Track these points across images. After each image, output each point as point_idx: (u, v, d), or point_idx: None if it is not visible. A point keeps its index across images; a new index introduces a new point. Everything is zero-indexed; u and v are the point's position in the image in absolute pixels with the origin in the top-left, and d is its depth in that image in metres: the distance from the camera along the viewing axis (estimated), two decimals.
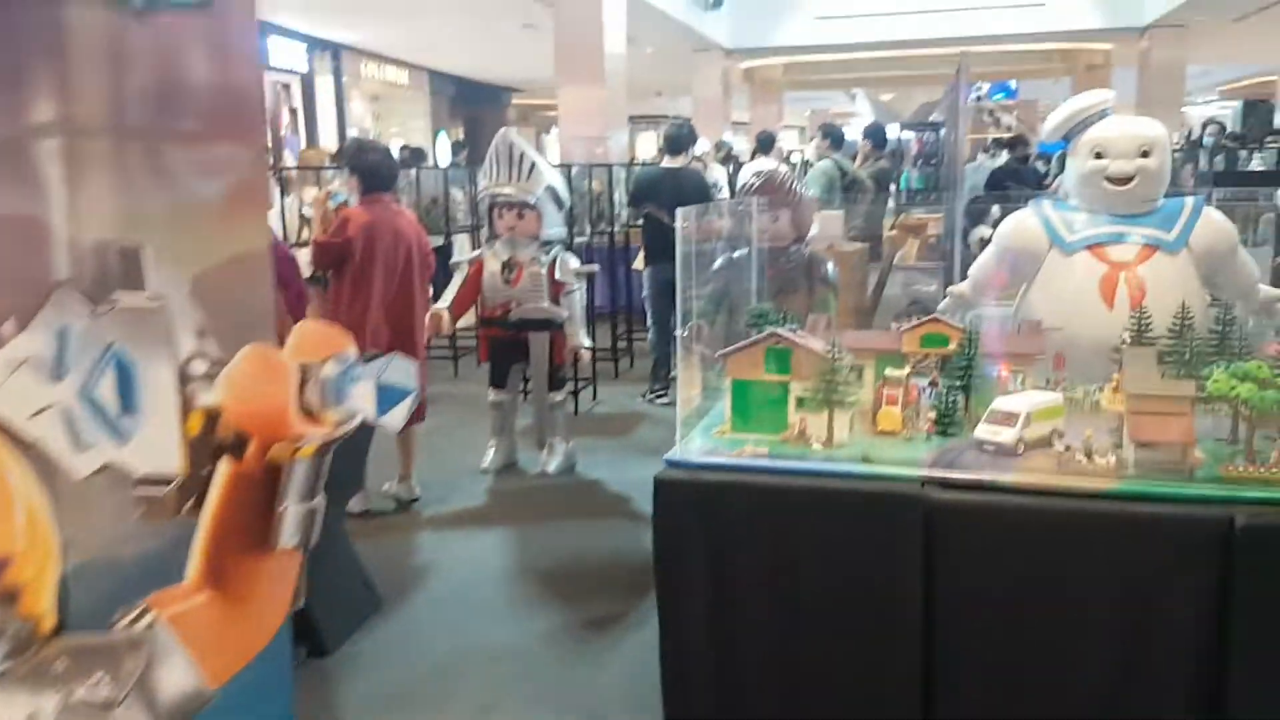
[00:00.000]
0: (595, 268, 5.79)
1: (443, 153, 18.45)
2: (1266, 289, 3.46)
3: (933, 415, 2.57)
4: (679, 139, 6.29)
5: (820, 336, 2.76)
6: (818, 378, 2.54)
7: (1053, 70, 19.36)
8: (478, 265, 5.25)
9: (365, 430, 1.69)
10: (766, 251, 3.82)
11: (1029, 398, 2.46)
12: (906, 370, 2.68)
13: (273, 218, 6.98)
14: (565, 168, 7.01)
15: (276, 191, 6.72)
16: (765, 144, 9.27)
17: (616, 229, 7.76)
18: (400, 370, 1.59)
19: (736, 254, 3.86)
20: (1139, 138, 3.31)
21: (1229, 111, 23.49)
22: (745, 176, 8.68)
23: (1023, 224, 3.48)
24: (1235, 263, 3.36)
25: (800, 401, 2.59)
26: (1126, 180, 3.27)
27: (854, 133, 10.63)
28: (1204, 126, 12.17)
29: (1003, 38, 16.43)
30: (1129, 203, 3.28)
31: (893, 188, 11.05)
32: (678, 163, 6.26)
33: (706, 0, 15.42)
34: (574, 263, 5.30)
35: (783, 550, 2.43)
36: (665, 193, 5.80)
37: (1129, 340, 2.69)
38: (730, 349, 2.70)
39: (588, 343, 5.35)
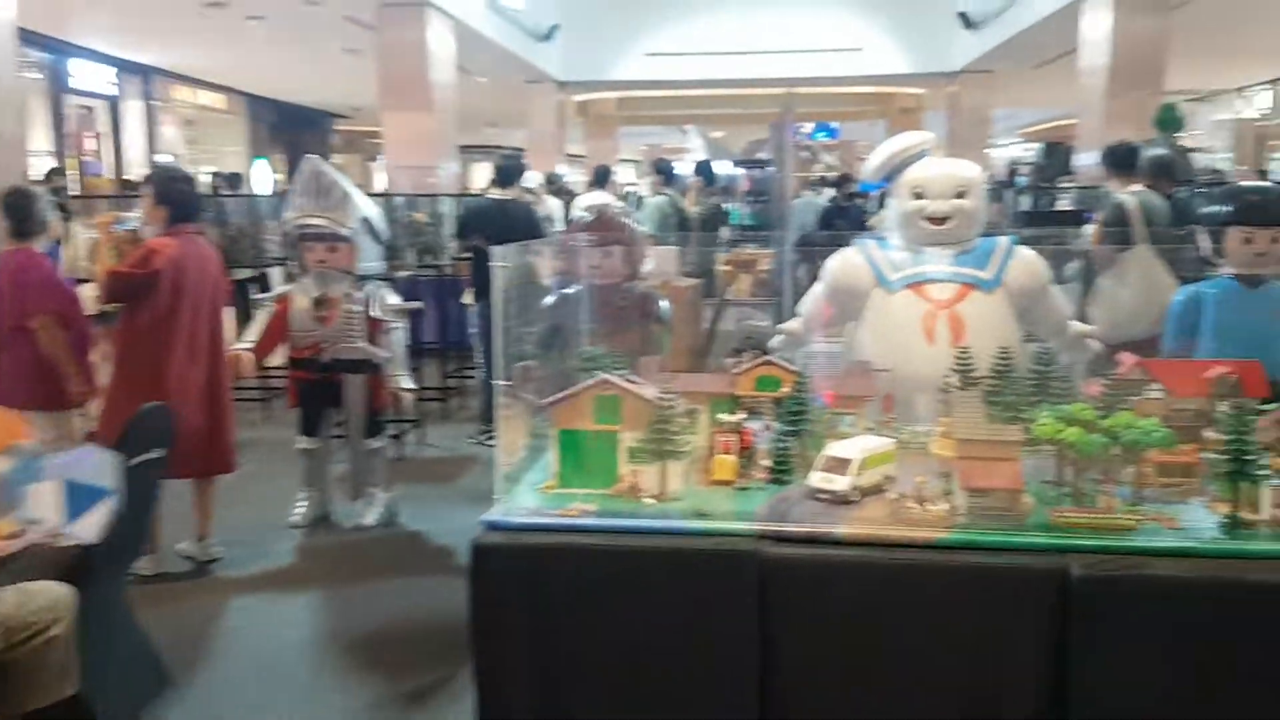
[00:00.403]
0: (419, 305, 5.53)
1: (261, 180, 17.68)
2: (1076, 324, 3.57)
3: (767, 463, 2.47)
4: (508, 170, 6.15)
5: (653, 379, 2.63)
6: (649, 426, 2.40)
7: (870, 113, 20.27)
8: (284, 302, 4.90)
9: (150, 480, 1.41)
10: (598, 288, 3.70)
11: (861, 443, 2.39)
12: (740, 416, 2.58)
13: (56, 249, 6.39)
14: (385, 197, 6.72)
15: (60, 221, 6.14)
16: (601, 178, 9.22)
17: (445, 262, 7.52)
18: (95, 465, 1.29)
19: (568, 290, 3.73)
20: (956, 179, 3.38)
21: (1031, 153, 25.18)
22: (578, 210, 8.61)
23: (849, 262, 3.50)
24: (1047, 300, 3.46)
25: (632, 452, 2.43)
26: (944, 220, 3.33)
27: (687, 168, 10.74)
28: (1010, 167, 12.89)
29: (824, 80, 17.08)
30: (946, 241, 3.34)
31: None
32: (508, 195, 6.12)
33: (538, 32, 15.38)
34: (393, 299, 5.00)
35: (613, 614, 2.26)
36: (493, 225, 5.64)
37: (955, 383, 2.68)
38: (556, 397, 2.52)
39: (410, 385, 5.07)
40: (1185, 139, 8.10)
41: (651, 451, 2.38)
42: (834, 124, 22.76)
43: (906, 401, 3.15)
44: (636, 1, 17.44)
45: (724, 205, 10.70)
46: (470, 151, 30.28)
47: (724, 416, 2.57)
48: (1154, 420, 2.09)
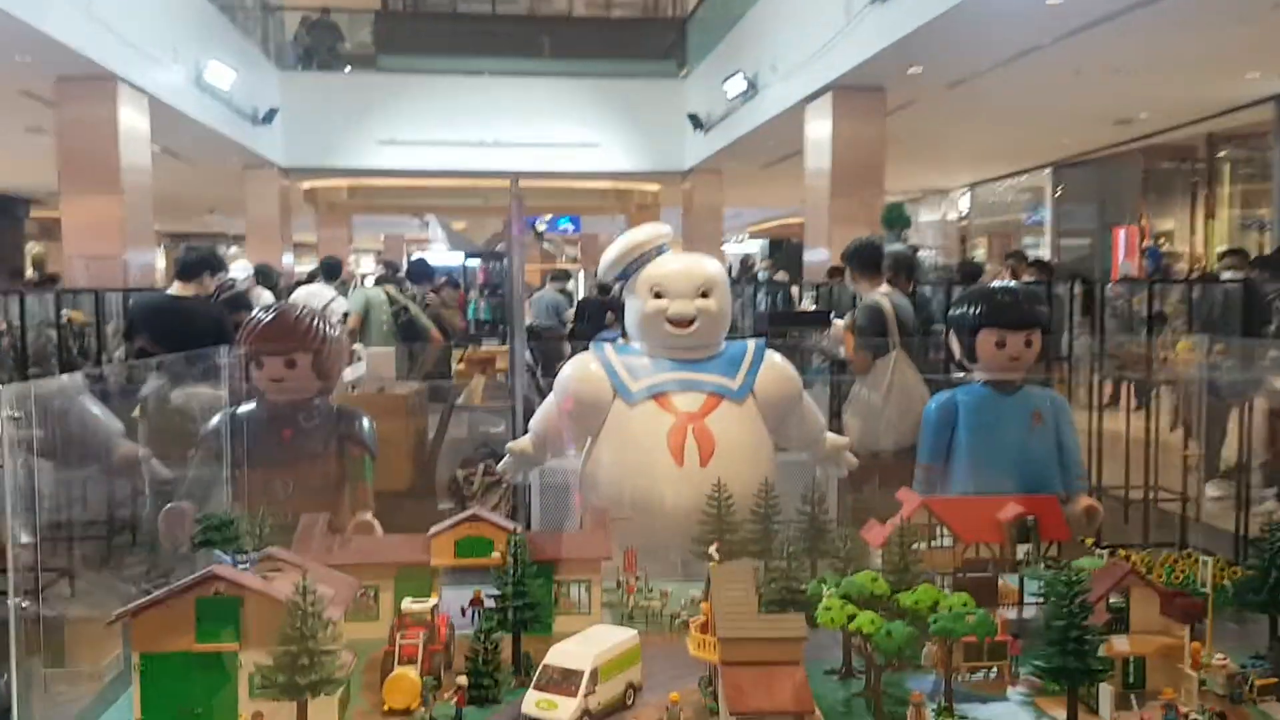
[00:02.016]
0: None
1: None
2: (833, 437, 3.25)
3: (463, 680, 1.73)
4: (189, 264, 5.25)
5: (314, 548, 1.97)
6: (280, 641, 1.58)
7: (609, 207, 20.46)
8: None
9: None
10: (278, 407, 2.99)
11: (594, 642, 1.75)
12: (431, 601, 1.93)
13: None
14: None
15: None
16: (330, 270, 8.40)
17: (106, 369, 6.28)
18: None
19: (246, 409, 3.00)
20: (698, 276, 3.01)
21: (757, 250, 26.39)
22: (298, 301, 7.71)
23: (584, 370, 3.04)
24: (800, 410, 3.13)
25: (254, 684, 1.63)
26: (688, 322, 2.94)
27: (434, 259, 10.10)
28: (742, 263, 13.17)
29: (561, 174, 17.03)
30: (692, 347, 2.97)
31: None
32: (189, 290, 5.22)
33: (254, 114, 14.35)
34: None
35: None
36: (165, 326, 4.75)
37: (714, 553, 2.18)
38: (132, 606, 1.67)
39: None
40: (910, 237, 8.38)
41: (282, 684, 1.57)
42: (575, 217, 22.85)
43: (657, 531, 2.72)
44: (364, 87, 16.82)
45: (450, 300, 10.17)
46: (189, 239, 28.31)
47: (409, 604, 1.92)
48: (963, 598, 1.67)
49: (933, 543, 2.00)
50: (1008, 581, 2.05)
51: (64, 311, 6.14)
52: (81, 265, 8.30)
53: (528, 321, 10.38)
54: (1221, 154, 14.03)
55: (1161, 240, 15.30)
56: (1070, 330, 5.70)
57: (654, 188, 19.36)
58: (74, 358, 5.93)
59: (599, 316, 7.03)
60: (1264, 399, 4.39)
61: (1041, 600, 1.87)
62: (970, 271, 9.23)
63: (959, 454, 3.23)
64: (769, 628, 1.50)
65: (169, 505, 2.76)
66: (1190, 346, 4.75)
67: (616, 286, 3.37)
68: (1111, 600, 1.76)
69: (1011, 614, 1.95)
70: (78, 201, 9.00)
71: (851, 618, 1.62)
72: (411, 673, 1.72)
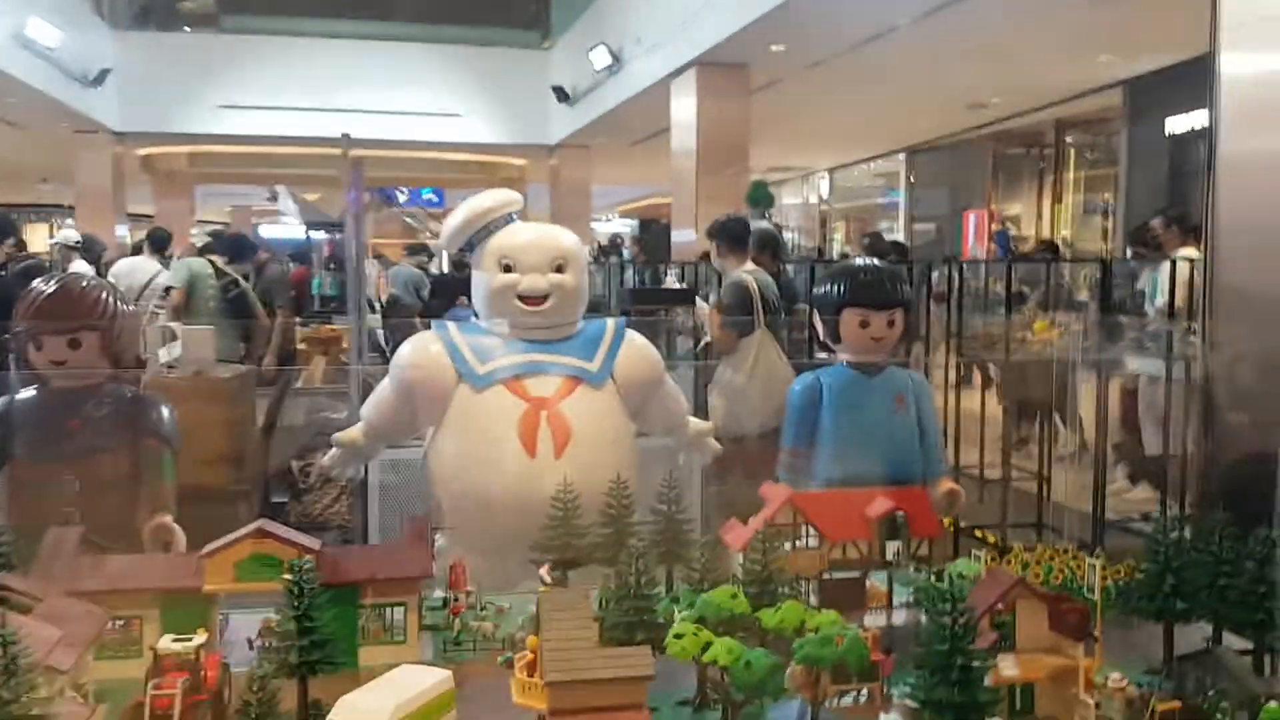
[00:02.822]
0: None
1: None
2: (696, 421, 3.08)
3: None
4: None
5: (70, 564, 1.65)
6: None
7: (473, 180, 19.83)
8: None
9: None
10: (61, 394, 2.61)
11: (393, 691, 1.43)
12: (196, 639, 1.57)
13: None
14: None
15: None
16: (158, 242, 7.75)
17: None
18: None
19: (23, 397, 2.61)
20: (552, 249, 2.79)
21: (629, 229, 26.24)
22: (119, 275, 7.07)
23: (425, 351, 2.78)
24: (663, 393, 2.96)
25: None
26: (541, 298, 2.72)
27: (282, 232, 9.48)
28: (612, 240, 12.97)
29: (420, 144, 16.43)
30: (545, 326, 2.76)
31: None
32: None
33: (84, 75, 13.28)
34: None
35: None
36: None
37: (545, 576, 1.94)
38: None
39: None
40: (775, 217, 8.32)
41: None
42: (439, 190, 22.15)
43: (507, 533, 2.49)
44: (205, 48, 15.82)
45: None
46: (22, 210, 26.34)
47: (168, 642, 1.56)
48: (832, 616, 1.49)
49: (797, 543, 1.83)
50: (876, 583, 1.90)
51: None
52: None
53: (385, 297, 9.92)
54: (1069, 139, 14.57)
55: (1009, 223, 15.83)
56: (927, 311, 5.72)
57: (520, 162, 18.95)
58: None
59: (451, 293, 6.68)
60: (1121, 378, 4.45)
61: (912, 603, 1.72)
62: (878, 249, 9.12)
63: (823, 438, 3.10)
64: (608, 665, 1.28)
65: None
66: (1046, 325, 4.79)
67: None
68: (996, 616, 1.59)
69: (881, 619, 1.79)
70: None
71: (707, 646, 1.42)
72: None
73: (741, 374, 4.50)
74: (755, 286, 4.59)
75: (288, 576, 1.53)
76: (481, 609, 2.00)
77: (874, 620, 1.76)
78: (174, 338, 4.29)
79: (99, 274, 7.74)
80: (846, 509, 1.87)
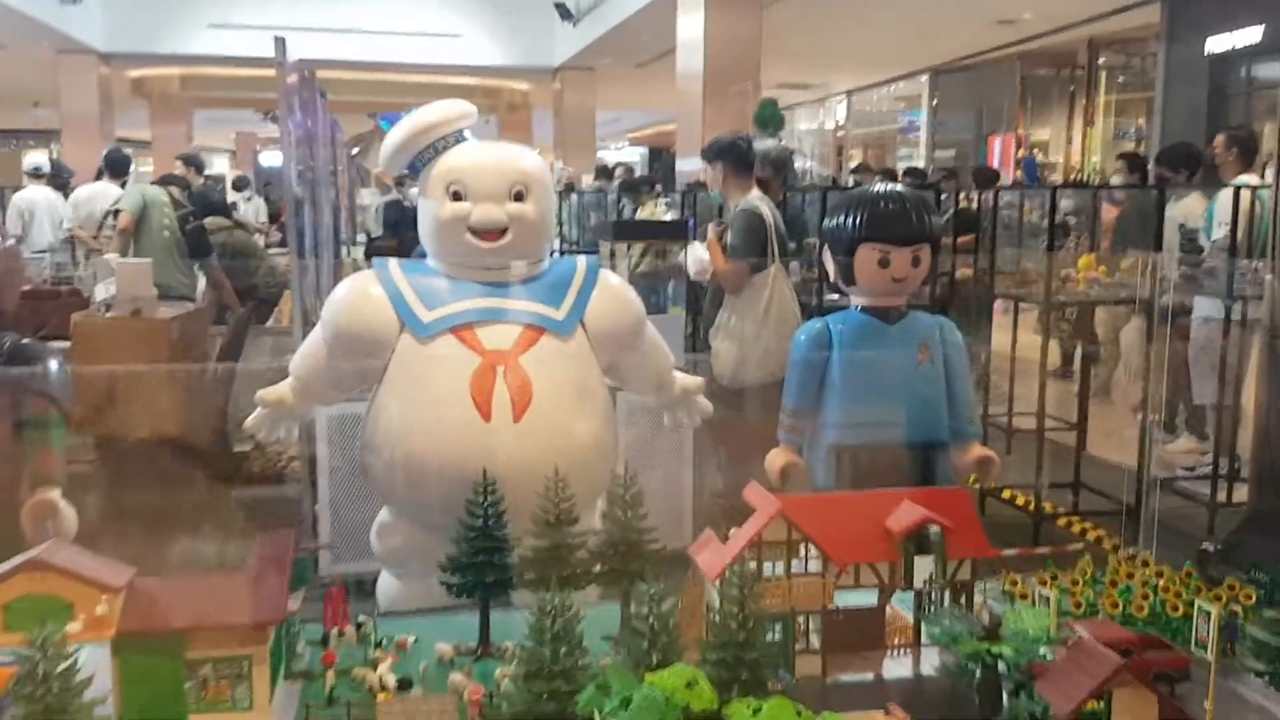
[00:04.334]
0: None
1: None
2: (684, 376, 2.63)
3: None
4: None
5: None
6: None
7: (477, 106, 19.23)
8: None
9: None
10: None
11: None
12: None
13: None
14: None
15: None
16: (116, 165, 7.25)
17: None
18: None
19: None
20: (511, 172, 2.35)
21: (638, 157, 25.52)
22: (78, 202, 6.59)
23: (360, 294, 2.37)
24: (643, 345, 2.54)
25: None
26: (497, 232, 2.29)
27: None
28: (613, 169, 12.40)
29: (418, 67, 15.76)
30: (503, 265, 2.34)
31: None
32: None
33: None
34: None
35: None
36: None
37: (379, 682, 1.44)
38: None
39: None
40: (785, 142, 7.76)
41: None
42: None
43: (449, 519, 2.05)
44: None
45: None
46: (15, 136, 25.79)
47: None
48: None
49: (790, 565, 1.38)
50: (900, 611, 1.46)
51: None
52: None
53: (374, 233, 9.44)
54: (1102, 60, 13.83)
55: (1036, 150, 15.15)
56: (954, 246, 5.21)
57: (523, 86, 18.25)
58: None
59: (407, 226, 6.13)
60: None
61: (946, 648, 1.27)
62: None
63: (832, 396, 2.67)
64: None
65: None
66: (1092, 262, 4.30)
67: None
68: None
69: (902, 668, 1.35)
70: None
71: None
72: None
73: (751, 318, 3.99)
74: (769, 214, 4.06)
75: (89, 619, 1.10)
76: (376, 645, 1.56)
77: (895, 670, 1.32)
78: (111, 273, 3.87)
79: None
80: (860, 520, 1.42)
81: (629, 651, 1.18)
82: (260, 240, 8.49)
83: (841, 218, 2.59)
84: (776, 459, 2.60)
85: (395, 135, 2.37)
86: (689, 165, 10.34)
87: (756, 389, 3.70)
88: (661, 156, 17.66)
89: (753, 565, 1.29)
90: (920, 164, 15.85)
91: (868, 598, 1.42)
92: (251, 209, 12.39)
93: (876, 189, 2.69)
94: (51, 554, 1.26)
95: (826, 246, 2.63)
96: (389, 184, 12.07)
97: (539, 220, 2.35)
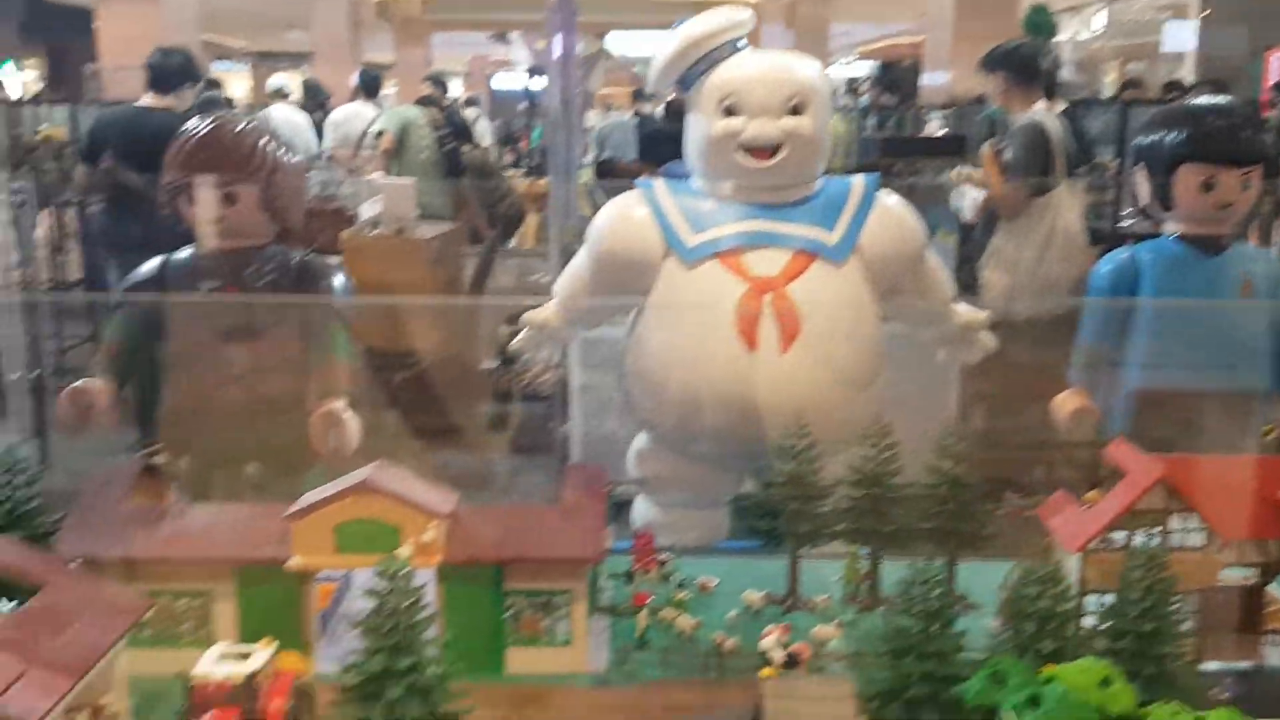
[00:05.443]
0: None
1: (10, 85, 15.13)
2: (965, 309, 2.41)
3: None
4: (163, 71, 4.36)
5: (111, 518, 1.24)
6: None
7: None
8: None
9: None
10: (217, 256, 2.28)
11: None
12: (257, 656, 1.11)
13: None
14: None
15: None
16: (370, 84, 7.50)
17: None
18: None
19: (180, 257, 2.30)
20: (786, 85, 2.17)
21: (868, 72, 24.45)
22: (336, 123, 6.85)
23: (627, 217, 2.29)
24: (922, 272, 2.36)
25: None
26: (770, 150, 2.14)
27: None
28: (850, 85, 11.86)
29: None
30: (775, 186, 2.19)
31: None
32: (164, 103, 4.38)
33: None
34: None
35: None
36: (132, 143, 3.94)
37: (775, 650, 1.31)
38: None
39: None
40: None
41: None
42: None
43: (718, 438, 2.13)
44: None
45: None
46: (274, 59, 27.59)
47: (210, 663, 1.10)
48: None
49: (1168, 535, 1.18)
50: (1273, 592, 1.25)
51: (40, 127, 5.38)
52: (117, 80, 7.65)
53: (605, 154, 9.41)
54: None
55: None
56: None
57: None
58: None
59: (665, 147, 5.97)
60: None
61: None
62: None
63: (1137, 334, 2.41)
64: None
65: (76, 382, 2.12)
66: None
67: None
68: None
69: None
70: (114, 9, 8.29)
71: None
72: None
73: (1029, 245, 3.63)
74: (1055, 130, 3.66)
75: (417, 545, 1.07)
76: (679, 586, 1.49)
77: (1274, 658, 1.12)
78: (374, 192, 4.00)
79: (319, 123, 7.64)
80: (1248, 488, 1.20)
81: (1015, 634, 1.04)
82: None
83: (1160, 133, 2.31)
84: (1067, 403, 2.36)
85: (669, 47, 2.25)
86: (936, 80, 9.78)
87: (1031, 325, 3.40)
88: (894, 70, 16.77)
89: (1138, 539, 1.11)
90: (1185, 80, 14.31)
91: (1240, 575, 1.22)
92: (480, 130, 12.70)
93: (1201, 102, 2.36)
94: (380, 478, 1.25)
95: (1143, 166, 2.33)
96: (610, 103, 12.05)
97: (815, 136, 2.19)
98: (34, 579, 1.09)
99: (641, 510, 2.42)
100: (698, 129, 2.23)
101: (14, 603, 1.13)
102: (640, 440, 2.41)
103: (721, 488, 2.34)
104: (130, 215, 3.81)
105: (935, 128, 6.47)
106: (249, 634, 1.19)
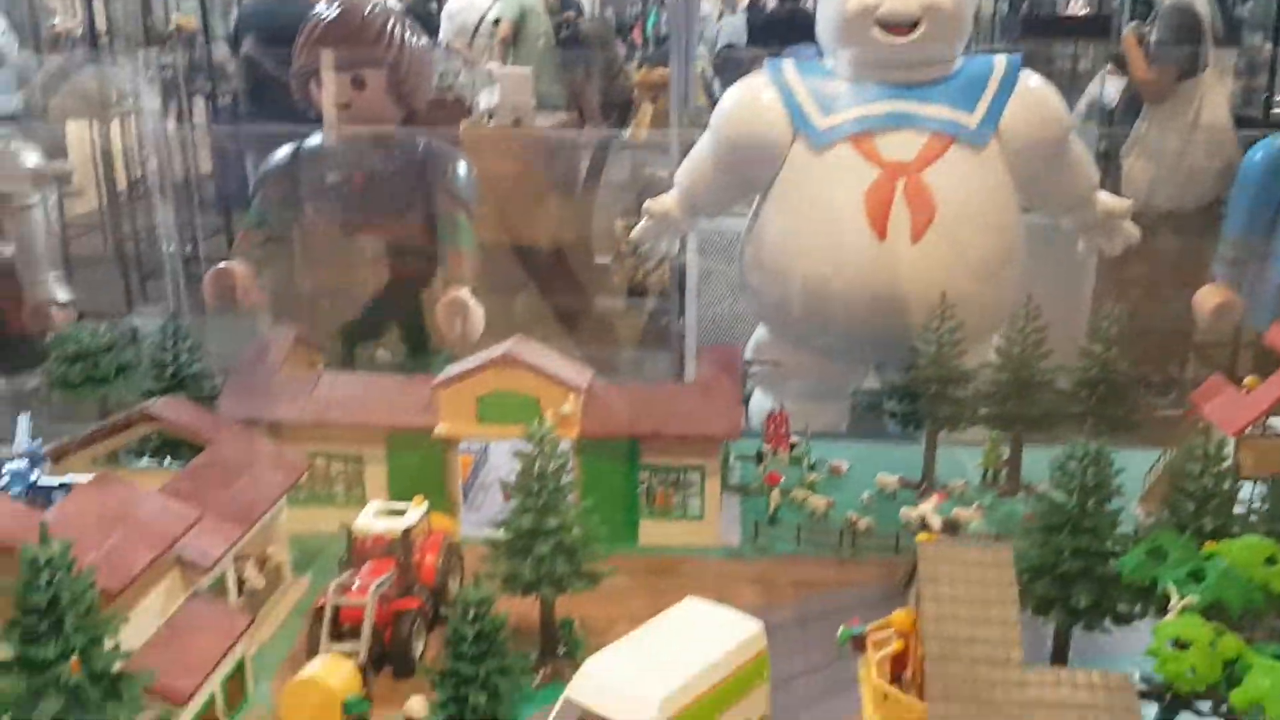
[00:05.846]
0: (66, 167, 3.29)
1: None
2: (1107, 197, 2.31)
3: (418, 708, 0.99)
4: None
5: (267, 384, 1.29)
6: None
7: None
8: None
9: None
10: (346, 143, 2.31)
11: (669, 659, 0.89)
12: (411, 512, 1.15)
13: None
14: None
15: None
16: None
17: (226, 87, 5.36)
18: None
19: (312, 144, 2.34)
20: None
21: None
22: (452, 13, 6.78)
23: (754, 100, 2.23)
24: (1066, 160, 2.25)
25: None
26: (908, 26, 2.05)
27: None
28: None
29: None
30: (911, 63, 2.11)
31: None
32: None
33: None
34: (31, 159, 2.86)
35: None
36: (277, 30, 3.90)
37: (929, 518, 1.30)
38: None
39: (63, 296, 2.83)
40: None
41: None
42: None
43: (845, 328, 2.06)
44: None
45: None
46: None
47: (370, 518, 1.15)
48: None
49: None
50: None
51: (173, 17, 5.43)
52: None
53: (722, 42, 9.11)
54: None
55: None
56: None
57: None
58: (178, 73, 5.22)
59: (777, 32, 5.66)
60: None
61: None
62: None
63: None
64: (1042, 686, 0.71)
65: (218, 265, 2.19)
66: None
67: None
68: None
69: None
70: None
71: (1231, 667, 0.80)
72: (334, 674, 1.01)
73: (1176, 131, 3.41)
74: (1204, 12, 3.40)
75: (557, 415, 1.09)
76: (810, 468, 1.49)
77: None
78: (491, 82, 3.96)
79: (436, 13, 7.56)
80: None
81: (1173, 511, 1.01)
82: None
83: None
84: (1210, 296, 2.26)
85: None
86: None
87: (1173, 215, 3.22)
88: None
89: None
90: None
91: None
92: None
93: None
94: (520, 350, 1.27)
95: None
96: None
97: (956, 10, 2.09)
98: (202, 437, 1.15)
99: (760, 403, 2.42)
100: (831, 6, 2.14)
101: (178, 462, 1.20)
102: (760, 332, 2.39)
103: (844, 380, 2.31)
104: (264, 95, 3.83)
105: (1079, 6, 6.04)
106: (398, 497, 1.25)
